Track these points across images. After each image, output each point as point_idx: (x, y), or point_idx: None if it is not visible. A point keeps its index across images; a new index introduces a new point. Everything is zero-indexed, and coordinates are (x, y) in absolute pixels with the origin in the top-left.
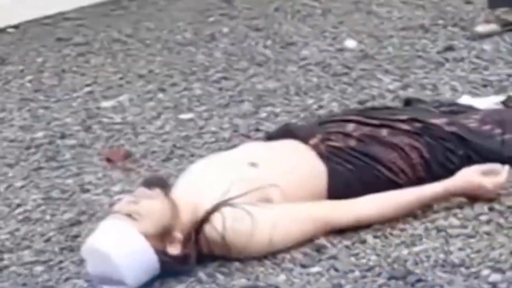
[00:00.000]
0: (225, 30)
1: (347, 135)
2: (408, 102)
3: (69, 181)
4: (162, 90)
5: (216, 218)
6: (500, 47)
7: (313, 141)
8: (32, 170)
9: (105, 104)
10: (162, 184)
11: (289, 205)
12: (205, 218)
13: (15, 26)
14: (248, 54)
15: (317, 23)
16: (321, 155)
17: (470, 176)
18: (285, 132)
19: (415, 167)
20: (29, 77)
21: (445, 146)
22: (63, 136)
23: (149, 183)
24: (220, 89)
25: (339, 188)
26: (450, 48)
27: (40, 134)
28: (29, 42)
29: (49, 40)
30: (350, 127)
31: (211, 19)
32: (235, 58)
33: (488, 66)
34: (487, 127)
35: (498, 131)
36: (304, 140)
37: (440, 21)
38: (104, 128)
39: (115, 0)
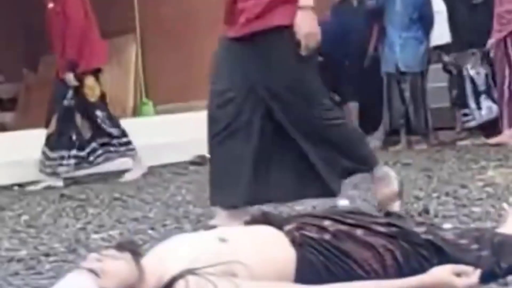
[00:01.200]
0: None
1: (323, 228)
2: (388, 214)
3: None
4: (153, 229)
5: (179, 285)
6: None
7: (288, 228)
8: (9, 276)
9: (95, 236)
10: (133, 249)
11: (255, 283)
12: (169, 284)
13: (20, 184)
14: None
15: None
16: (294, 242)
17: (442, 274)
18: (261, 218)
19: (387, 268)
20: (25, 217)
21: (420, 253)
22: (47, 255)
23: (121, 247)
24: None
25: (307, 275)
26: None
27: (24, 252)
28: (32, 196)
29: (52, 196)
30: (326, 222)
31: None
32: None
33: None
34: (464, 241)
35: (475, 246)
36: (279, 226)
37: (434, 194)
38: (89, 251)
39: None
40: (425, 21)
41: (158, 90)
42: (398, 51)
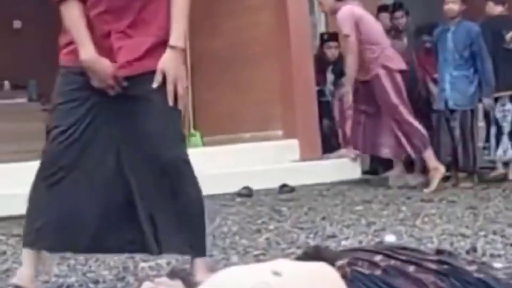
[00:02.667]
0: (271, 227)
1: (374, 263)
2: (439, 252)
3: None
4: None
5: None
6: None
7: (339, 263)
8: None
9: (144, 264)
10: (184, 277)
11: None
12: None
13: None
14: (289, 242)
15: (362, 230)
16: (345, 277)
17: None
18: (313, 254)
19: None
20: None
21: None
22: (96, 282)
23: (173, 274)
24: (258, 261)
25: None
26: None
27: (73, 279)
28: None
29: None
30: (378, 257)
31: (259, 221)
32: (276, 244)
33: None
34: None
35: None
36: (331, 261)
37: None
38: (138, 280)
39: None
40: (477, 59)
41: (205, 122)
42: (448, 89)
